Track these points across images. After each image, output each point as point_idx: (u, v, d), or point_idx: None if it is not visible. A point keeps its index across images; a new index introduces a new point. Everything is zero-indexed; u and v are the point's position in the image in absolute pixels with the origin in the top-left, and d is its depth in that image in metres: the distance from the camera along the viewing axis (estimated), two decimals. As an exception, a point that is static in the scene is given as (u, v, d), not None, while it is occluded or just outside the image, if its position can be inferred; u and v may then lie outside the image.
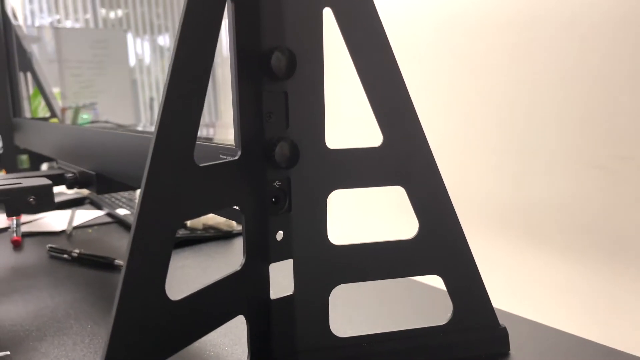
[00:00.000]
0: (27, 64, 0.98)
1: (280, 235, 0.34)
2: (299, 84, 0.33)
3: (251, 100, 0.32)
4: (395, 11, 1.17)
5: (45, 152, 0.81)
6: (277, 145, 0.32)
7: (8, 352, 0.38)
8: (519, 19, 0.93)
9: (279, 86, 0.33)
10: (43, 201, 0.46)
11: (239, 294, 0.32)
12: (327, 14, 0.33)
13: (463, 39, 1.06)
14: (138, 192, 0.80)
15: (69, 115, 1.69)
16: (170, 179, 0.27)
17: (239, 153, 0.31)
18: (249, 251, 0.33)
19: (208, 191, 0.29)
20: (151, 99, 3.30)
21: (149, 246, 0.26)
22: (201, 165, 0.29)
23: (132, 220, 0.78)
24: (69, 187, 0.61)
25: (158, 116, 0.26)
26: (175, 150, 0.27)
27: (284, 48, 0.32)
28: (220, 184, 0.30)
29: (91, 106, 2.03)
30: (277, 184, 0.34)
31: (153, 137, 0.26)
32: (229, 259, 0.66)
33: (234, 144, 0.33)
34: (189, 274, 0.60)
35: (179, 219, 0.28)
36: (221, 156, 0.35)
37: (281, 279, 0.36)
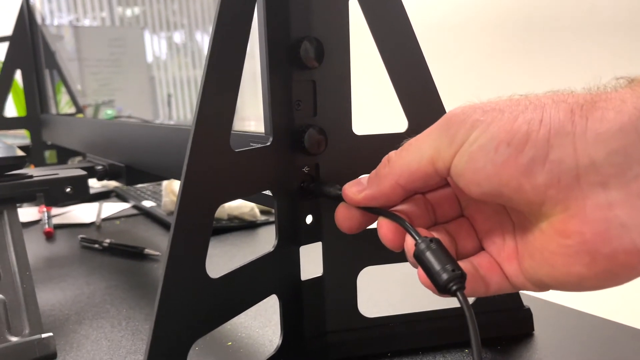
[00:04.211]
0: (53, 62, 1.01)
1: (309, 219, 0.36)
2: (326, 73, 0.34)
3: (281, 89, 0.33)
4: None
5: (73, 146, 0.84)
6: (305, 132, 0.34)
7: (51, 334, 0.40)
8: (518, 19, 0.93)
9: (307, 75, 0.34)
10: (79, 190, 0.48)
11: (272, 274, 0.34)
12: (352, 3, 0.34)
13: (460, 38, 1.06)
14: (164, 183, 0.82)
15: (89, 112, 1.73)
16: (209, 162, 0.28)
17: (271, 139, 0.33)
18: (281, 234, 0.34)
19: (243, 175, 0.31)
20: (169, 96, 3.34)
21: (190, 225, 0.28)
22: (236, 150, 0.30)
23: (158, 212, 0.80)
24: (99, 179, 0.63)
25: (197, 102, 0.28)
26: (213, 135, 0.28)
27: (312, 38, 0.33)
28: (254, 168, 0.32)
29: (110, 104, 2.07)
30: (306, 169, 0.35)
31: (193, 123, 0.27)
32: (254, 248, 0.68)
33: (262, 132, 0.34)
34: (216, 262, 0.61)
35: (218, 200, 0.29)
36: (251, 144, 0.37)
37: (308, 266, 0.37)
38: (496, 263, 0.27)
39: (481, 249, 0.28)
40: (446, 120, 0.25)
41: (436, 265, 0.24)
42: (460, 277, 0.24)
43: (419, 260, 0.25)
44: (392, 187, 0.27)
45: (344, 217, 0.30)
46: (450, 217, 0.29)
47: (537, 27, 0.91)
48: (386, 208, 0.28)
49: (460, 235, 0.28)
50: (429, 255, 0.25)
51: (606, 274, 0.22)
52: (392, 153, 0.28)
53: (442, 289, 0.24)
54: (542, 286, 0.25)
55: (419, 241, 0.25)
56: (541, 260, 0.24)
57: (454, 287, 0.24)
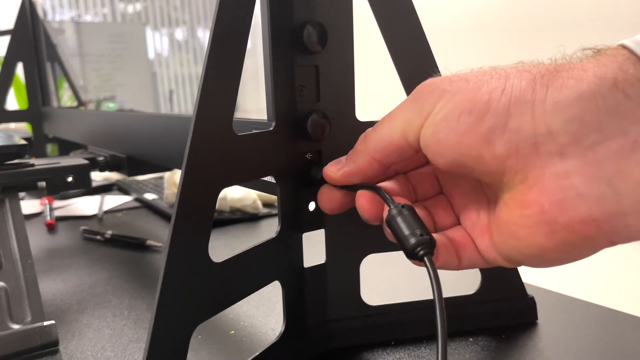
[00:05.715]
0: (54, 55, 1.01)
1: (312, 205, 0.35)
2: (330, 57, 0.34)
3: (284, 74, 0.33)
4: None
5: (74, 138, 0.83)
6: (309, 118, 0.33)
7: (53, 322, 0.39)
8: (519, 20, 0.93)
9: (311, 60, 0.33)
10: (81, 180, 0.47)
11: (274, 260, 0.34)
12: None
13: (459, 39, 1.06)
14: (166, 176, 0.82)
15: (91, 108, 1.73)
16: (211, 144, 0.28)
17: (273, 124, 0.32)
18: (284, 220, 0.34)
19: (245, 159, 0.31)
20: (170, 92, 3.34)
21: (193, 207, 0.27)
22: (239, 134, 0.30)
23: (160, 205, 0.80)
24: (101, 170, 0.63)
25: (200, 85, 0.27)
26: (215, 118, 0.28)
27: (315, 22, 0.32)
28: (257, 153, 0.31)
29: (112, 99, 2.07)
30: (308, 155, 0.35)
31: (196, 104, 0.27)
32: (256, 240, 0.67)
33: (265, 119, 0.34)
34: (219, 254, 0.61)
35: (220, 183, 0.29)
36: (254, 130, 0.36)
37: (311, 253, 0.37)
38: (470, 238, 0.27)
39: (458, 224, 0.28)
40: (416, 93, 0.25)
41: (405, 230, 0.24)
42: (428, 242, 0.24)
43: (390, 226, 0.25)
44: (368, 163, 0.27)
45: (326, 198, 0.30)
46: (430, 195, 0.30)
47: (542, 25, 0.91)
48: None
49: (437, 211, 0.29)
50: (399, 220, 0.25)
51: (565, 245, 0.22)
52: (369, 130, 0.28)
53: (409, 254, 0.24)
54: (512, 260, 0.25)
55: (392, 207, 0.25)
56: (507, 232, 0.24)
57: (422, 252, 0.24)
